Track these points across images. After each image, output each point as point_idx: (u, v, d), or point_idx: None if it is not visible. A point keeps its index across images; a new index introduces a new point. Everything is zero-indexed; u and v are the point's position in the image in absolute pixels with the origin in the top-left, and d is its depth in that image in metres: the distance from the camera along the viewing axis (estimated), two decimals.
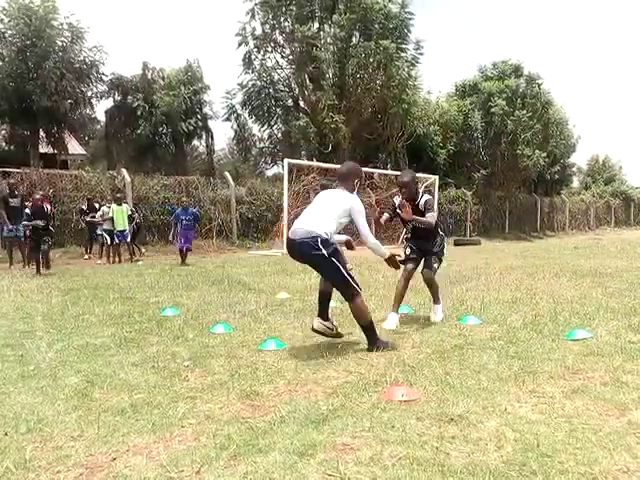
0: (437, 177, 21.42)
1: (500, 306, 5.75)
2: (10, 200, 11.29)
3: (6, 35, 18.18)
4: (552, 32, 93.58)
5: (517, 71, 26.64)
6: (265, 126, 23.38)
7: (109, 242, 12.41)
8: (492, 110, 24.85)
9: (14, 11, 17.87)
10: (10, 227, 11.25)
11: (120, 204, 12.29)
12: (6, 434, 2.53)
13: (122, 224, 12.11)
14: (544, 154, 27.00)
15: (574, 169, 40.77)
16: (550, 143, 28.88)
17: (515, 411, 2.74)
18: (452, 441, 2.39)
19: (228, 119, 23.44)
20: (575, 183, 43.61)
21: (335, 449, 2.33)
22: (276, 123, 23.27)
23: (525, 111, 25.13)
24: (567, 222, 33.44)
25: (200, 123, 25.24)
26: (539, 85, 26.89)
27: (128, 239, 12.35)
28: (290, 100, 23.14)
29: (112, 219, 12.08)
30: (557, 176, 34.37)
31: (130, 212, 12.76)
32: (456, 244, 21.14)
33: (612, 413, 2.70)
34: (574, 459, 2.21)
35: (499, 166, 26.52)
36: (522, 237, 26.99)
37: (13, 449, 2.37)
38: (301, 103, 22.81)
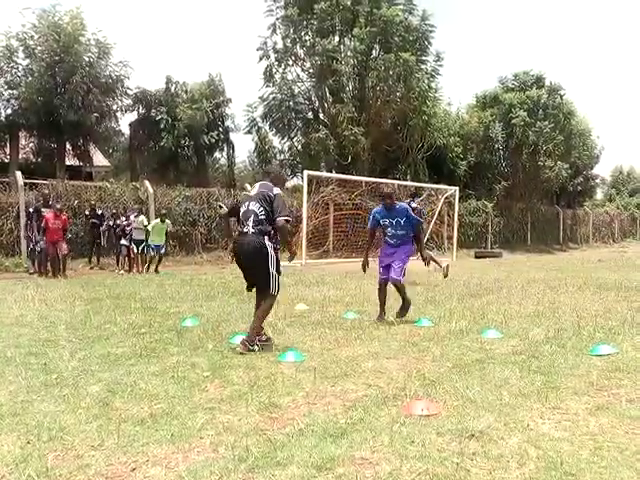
0: (457, 188, 21.27)
1: (522, 320, 5.66)
2: (43, 210, 11.60)
3: (36, 51, 18.74)
4: (574, 42, 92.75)
5: (539, 82, 26.40)
6: (285, 138, 23.57)
7: (136, 251, 12.67)
8: (513, 121, 24.65)
9: (44, 28, 18.44)
10: (39, 238, 11.50)
11: (163, 221, 12.75)
12: (29, 442, 2.56)
13: (160, 239, 12.68)
14: (566, 165, 26.66)
15: (598, 180, 40.14)
16: (573, 154, 28.50)
17: (538, 428, 2.68)
18: (473, 457, 2.35)
19: (249, 132, 23.70)
20: (599, 195, 42.93)
21: (354, 463, 2.31)
22: (296, 135, 23.45)
23: (547, 122, 24.88)
24: (591, 234, 32.82)
25: (222, 136, 25.58)
26: (561, 96, 26.62)
27: (162, 251, 12.85)
28: (310, 113, 23.31)
29: (146, 231, 12.62)
30: (580, 188, 33.87)
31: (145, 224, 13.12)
32: (477, 256, 20.92)
33: (639, 431, 2.62)
34: (599, 478, 2.15)
35: (520, 177, 26.23)
36: (544, 249, 26.57)
37: (35, 457, 2.40)
38: (321, 115, 22.96)
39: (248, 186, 18.98)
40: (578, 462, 2.29)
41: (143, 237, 12.86)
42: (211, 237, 16.92)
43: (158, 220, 12.84)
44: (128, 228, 12.92)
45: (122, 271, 12.76)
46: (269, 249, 4.32)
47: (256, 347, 4.25)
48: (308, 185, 16.27)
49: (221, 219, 12.42)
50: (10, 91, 19.42)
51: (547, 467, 2.25)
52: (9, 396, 3.23)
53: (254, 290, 4.60)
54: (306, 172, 16.58)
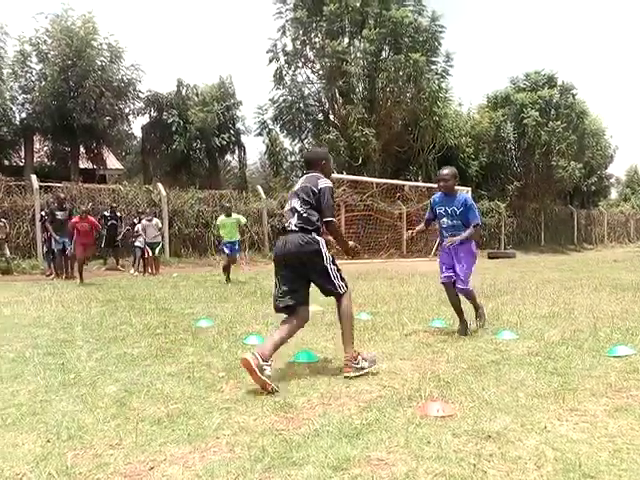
0: (470, 189, 21.17)
1: (537, 321, 5.61)
2: (57, 213, 11.74)
3: (49, 56, 19.01)
4: (586, 41, 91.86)
5: (550, 81, 26.23)
6: (296, 140, 23.70)
7: (151, 254, 12.77)
8: (525, 121, 24.50)
9: (56, 32, 18.70)
10: (57, 239, 11.65)
11: (229, 214, 10.84)
12: (48, 441, 2.59)
13: (231, 235, 10.75)
14: (580, 165, 26.43)
15: (612, 180, 39.71)
16: (586, 154, 28.26)
17: (555, 429, 2.66)
18: (490, 459, 2.33)
19: (260, 134, 23.86)
20: (613, 194, 42.46)
21: (370, 464, 2.31)
22: (307, 137, 23.55)
23: (559, 122, 24.69)
24: (605, 234, 32.47)
25: (233, 138, 25.73)
26: (574, 95, 26.42)
27: (238, 252, 10.99)
28: (320, 114, 23.37)
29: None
30: (594, 187, 33.54)
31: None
32: (490, 257, 20.80)
33: None
34: None
35: (533, 178, 26.05)
36: (558, 250, 26.33)
37: (55, 455, 2.43)
38: (331, 117, 23.01)
39: (259, 188, 19.17)
40: (597, 464, 2.26)
41: (159, 240, 13.02)
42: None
43: (222, 216, 10.87)
44: (135, 231, 13.12)
45: (136, 272, 12.87)
46: (320, 244, 3.62)
47: (365, 363, 3.64)
48: None
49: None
50: (24, 95, 19.75)
51: (565, 469, 2.23)
52: (28, 395, 3.28)
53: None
54: None
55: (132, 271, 13.00)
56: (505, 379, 3.49)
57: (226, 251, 10.49)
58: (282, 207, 18.10)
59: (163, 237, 14.05)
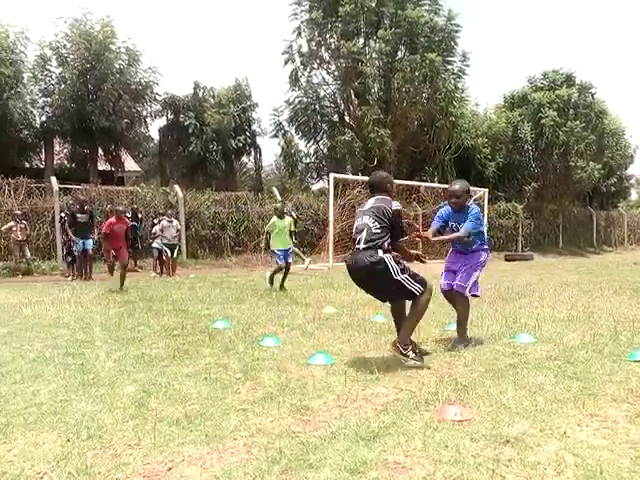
0: (486, 190, 21.00)
1: (556, 324, 5.54)
2: (79, 216, 11.89)
3: (68, 59, 19.31)
4: (605, 39, 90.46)
5: (569, 80, 25.86)
6: (311, 142, 23.71)
7: (169, 255, 12.89)
8: (542, 121, 24.19)
9: (75, 37, 18.99)
10: (76, 241, 11.81)
11: (282, 217, 9.21)
12: (68, 440, 2.63)
13: (283, 243, 9.07)
14: (599, 166, 26.01)
15: (632, 181, 39.00)
16: (605, 154, 27.80)
17: (575, 435, 2.62)
18: (508, 464, 2.31)
19: (275, 135, 23.93)
20: (634, 196, 41.72)
21: (387, 467, 2.30)
22: (322, 138, 23.56)
23: (578, 122, 24.33)
24: (626, 237, 31.91)
25: (249, 140, 25.84)
26: (592, 94, 26.02)
27: (290, 259, 9.24)
28: (336, 115, 23.37)
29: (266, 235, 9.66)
30: (614, 188, 32.96)
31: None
32: (507, 259, 20.59)
33: None
34: None
35: (551, 179, 25.71)
36: (577, 252, 25.96)
37: (75, 455, 2.47)
38: (346, 118, 22.99)
39: (275, 189, 19.23)
40: (619, 471, 2.23)
41: (177, 241, 13.17)
42: (239, 240, 17.11)
43: (275, 218, 9.26)
44: (152, 233, 13.29)
45: (154, 274, 12.99)
46: (387, 261, 3.84)
47: (411, 354, 3.86)
48: (334, 188, 16.30)
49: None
50: (45, 99, 20.09)
51: (586, 475, 2.20)
52: (49, 395, 3.33)
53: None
54: (332, 175, 16.61)
55: (152, 274, 13.10)
56: (523, 383, 3.46)
57: (280, 263, 9.01)
58: (297, 209, 18.19)
59: (180, 239, 14.16)
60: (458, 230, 4.63)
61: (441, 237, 4.77)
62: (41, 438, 2.66)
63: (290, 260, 9.25)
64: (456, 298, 4.67)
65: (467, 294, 4.60)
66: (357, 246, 3.98)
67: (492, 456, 2.38)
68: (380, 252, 3.86)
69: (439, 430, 2.68)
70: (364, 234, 3.93)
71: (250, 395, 3.30)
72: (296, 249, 14.33)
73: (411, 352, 3.90)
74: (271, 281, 9.15)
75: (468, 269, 4.61)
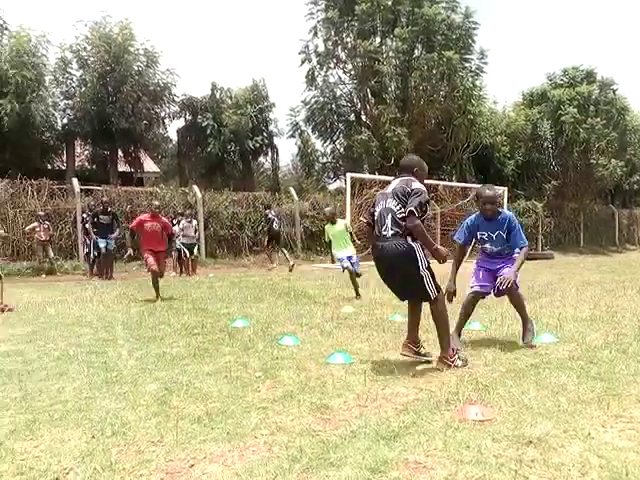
0: (506, 189, 20.75)
1: (578, 324, 5.46)
2: (101, 217, 12.09)
3: (89, 62, 19.59)
4: (627, 34, 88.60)
5: (589, 77, 25.40)
6: (328, 141, 23.70)
7: (188, 255, 13.04)
8: (562, 118, 23.81)
9: (95, 39, 19.26)
10: (97, 242, 11.99)
11: (334, 222, 8.22)
12: (93, 437, 2.68)
13: (343, 248, 8.15)
14: (621, 163, 25.51)
15: None
16: (628, 151, 27.26)
17: (600, 436, 2.58)
18: (532, 465, 2.29)
19: (292, 136, 23.97)
20: None
21: (408, 467, 2.29)
22: (338, 138, 23.53)
23: (599, 119, 23.89)
24: None
25: (266, 140, 25.94)
26: (614, 91, 25.53)
27: (355, 265, 8.09)
28: (352, 115, 23.32)
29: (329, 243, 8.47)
30: (636, 186, 32.28)
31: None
32: (527, 258, 20.27)
33: None
34: None
35: (571, 176, 25.30)
36: (599, 251, 25.51)
37: (100, 451, 2.51)
38: (363, 117, 22.93)
39: (292, 189, 19.27)
40: None
41: (194, 241, 13.31)
42: (257, 240, 17.20)
43: (328, 224, 8.34)
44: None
45: (174, 273, 13.13)
46: (416, 250, 3.69)
47: (459, 362, 3.81)
48: (351, 187, 16.28)
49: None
50: (66, 101, 20.41)
51: (612, 477, 2.17)
52: (74, 392, 3.40)
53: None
54: (349, 174, 16.59)
55: (172, 273, 13.24)
56: (546, 383, 3.41)
57: (345, 265, 8.08)
58: (314, 208, 18.20)
59: (199, 239, 14.28)
60: (492, 239, 4.49)
61: (511, 275, 4.30)
62: (67, 434, 2.72)
63: (354, 268, 8.01)
64: (511, 294, 4.50)
65: (518, 284, 4.52)
66: (383, 232, 3.76)
67: (515, 457, 2.36)
68: (409, 239, 3.70)
69: (460, 430, 2.67)
70: (389, 220, 3.73)
71: (270, 393, 3.32)
72: (284, 250, 14.55)
73: (458, 361, 3.83)
74: (356, 292, 7.99)
75: (508, 263, 4.50)
